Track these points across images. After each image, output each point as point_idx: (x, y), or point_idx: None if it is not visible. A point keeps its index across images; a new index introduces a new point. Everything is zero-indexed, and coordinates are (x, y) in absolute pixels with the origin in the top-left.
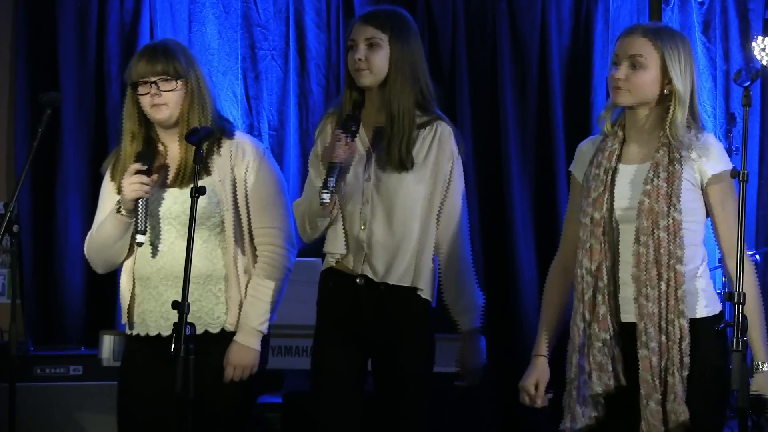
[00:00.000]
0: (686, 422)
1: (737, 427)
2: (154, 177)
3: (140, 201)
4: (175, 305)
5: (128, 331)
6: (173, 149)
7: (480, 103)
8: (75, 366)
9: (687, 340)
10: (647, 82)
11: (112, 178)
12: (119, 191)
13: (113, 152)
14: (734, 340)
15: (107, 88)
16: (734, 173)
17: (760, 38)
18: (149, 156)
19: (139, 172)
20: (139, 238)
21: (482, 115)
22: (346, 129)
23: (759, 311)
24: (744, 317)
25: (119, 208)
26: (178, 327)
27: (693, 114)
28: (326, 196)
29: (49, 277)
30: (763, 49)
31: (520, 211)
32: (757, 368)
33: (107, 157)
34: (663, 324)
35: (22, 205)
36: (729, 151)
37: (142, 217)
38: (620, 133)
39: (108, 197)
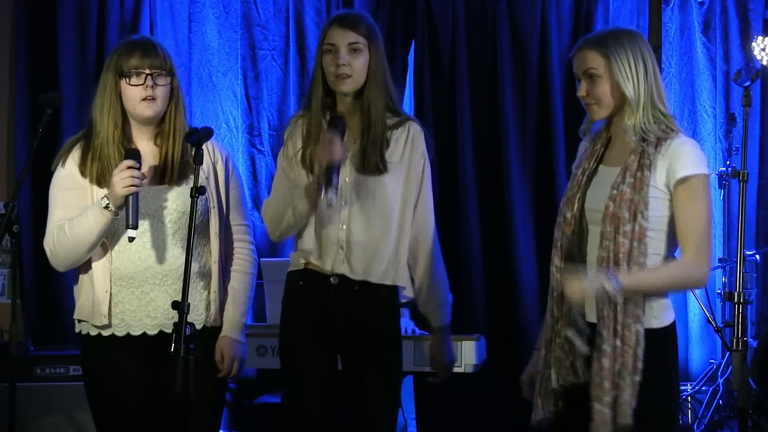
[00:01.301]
0: (626, 427)
1: (737, 427)
2: (145, 172)
3: (132, 197)
4: (175, 305)
5: (92, 332)
6: (147, 147)
7: (480, 103)
8: (75, 366)
9: (642, 345)
10: (607, 91)
11: (83, 173)
12: (99, 183)
13: (71, 146)
14: (734, 340)
15: None
16: (734, 173)
17: (760, 38)
18: (138, 153)
19: (131, 168)
20: (131, 233)
21: (482, 115)
22: (336, 127)
23: (667, 277)
24: (744, 317)
25: (107, 204)
26: (178, 327)
27: (659, 109)
28: (334, 197)
29: (49, 277)
30: (763, 49)
31: (520, 211)
32: (609, 281)
33: (61, 151)
34: (619, 328)
35: (22, 205)
36: (729, 151)
37: (133, 212)
38: (605, 134)
39: (75, 194)
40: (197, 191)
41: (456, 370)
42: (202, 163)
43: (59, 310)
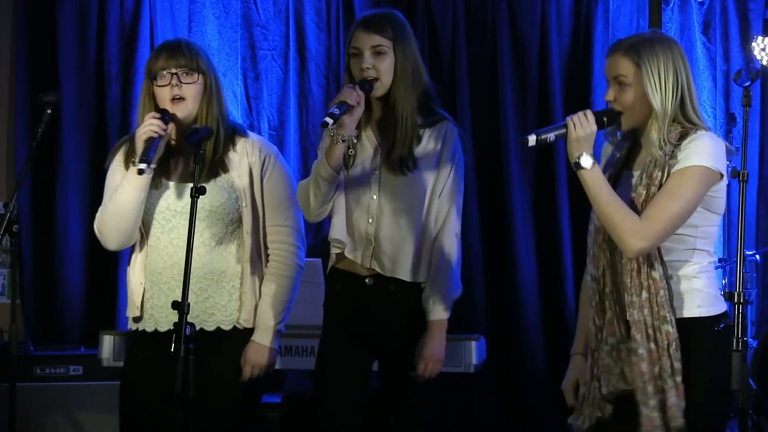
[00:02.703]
0: (681, 428)
1: (737, 427)
2: (170, 126)
3: (150, 140)
4: (175, 305)
5: (133, 327)
6: (186, 145)
7: (480, 103)
8: (75, 366)
9: (674, 345)
10: (636, 98)
11: (127, 167)
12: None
13: (120, 145)
14: (734, 340)
15: (107, 88)
16: (734, 173)
17: (760, 38)
18: (167, 112)
19: (153, 118)
20: (141, 165)
21: (482, 115)
22: (359, 84)
23: (613, 209)
24: (744, 317)
25: (134, 161)
26: (177, 327)
27: (687, 117)
28: (329, 120)
29: (49, 277)
30: (763, 49)
31: (520, 211)
32: (588, 156)
33: (112, 150)
34: (651, 331)
35: (22, 205)
36: (729, 151)
37: (150, 151)
38: (632, 138)
39: (119, 180)
40: (197, 191)
41: (456, 370)
42: (202, 163)
43: (59, 310)
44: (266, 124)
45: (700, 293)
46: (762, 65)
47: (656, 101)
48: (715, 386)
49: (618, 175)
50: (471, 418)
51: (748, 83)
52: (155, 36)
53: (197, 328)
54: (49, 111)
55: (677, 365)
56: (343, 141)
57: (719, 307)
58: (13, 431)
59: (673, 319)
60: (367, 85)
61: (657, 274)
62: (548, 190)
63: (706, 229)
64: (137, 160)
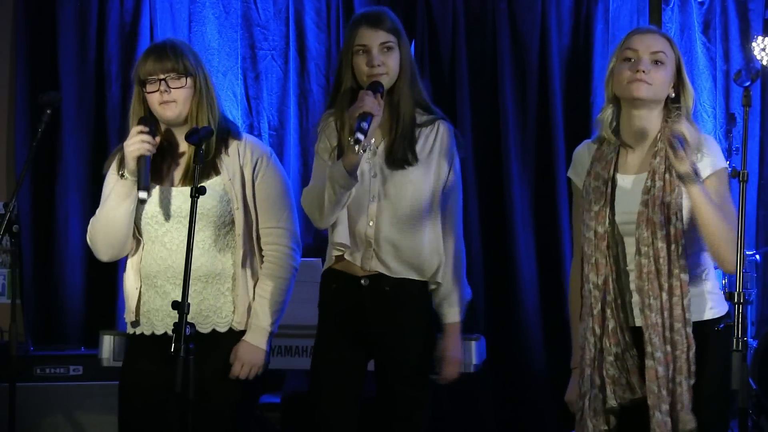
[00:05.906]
0: (693, 430)
1: (737, 427)
2: (157, 139)
3: (142, 160)
4: (175, 305)
5: (130, 330)
6: (182, 148)
7: (480, 103)
8: (75, 366)
9: (693, 349)
10: (666, 79)
11: (121, 176)
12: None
13: (116, 151)
14: (734, 340)
15: (107, 88)
16: (734, 173)
17: (760, 38)
18: (152, 120)
19: (141, 132)
20: (141, 194)
21: (482, 115)
22: (373, 89)
23: (728, 230)
24: (744, 317)
25: (122, 173)
26: (177, 327)
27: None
28: (360, 136)
29: (49, 277)
30: (763, 49)
31: (520, 211)
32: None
33: (109, 157)
34: (668, 333)
35: (22, 205)
36: (729, 151)
37: (144, 174)
38: (616, 140)
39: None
40: (197, 191)
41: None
42: (202, 163)
43: (59, 310)
44: (266, 124)
45: (711, 295)
46: (762, 65)
47: (689, 83)
48: (721, 387)
49: (613, 179)
50: (471, 418)
51: (748, 83)
52: (155, 36)
53: (172, 329)
54: (49, 111)
55: (693, 368)
56: (364, 150)
57: (725, 307)
58: (13, 431)
59: (691, 322)
60: (381, 88)
61: (685, 277)
62: (548, 190)
63: None
64: (138, 189)
